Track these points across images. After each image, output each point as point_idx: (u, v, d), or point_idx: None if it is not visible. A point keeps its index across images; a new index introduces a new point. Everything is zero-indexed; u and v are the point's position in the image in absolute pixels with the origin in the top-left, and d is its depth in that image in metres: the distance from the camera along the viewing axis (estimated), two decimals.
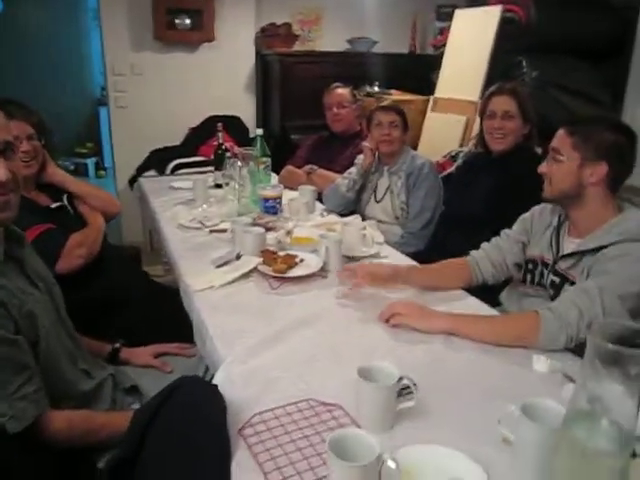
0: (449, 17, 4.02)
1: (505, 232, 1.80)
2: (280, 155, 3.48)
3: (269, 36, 4.45)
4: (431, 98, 3.88)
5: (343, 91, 3.15)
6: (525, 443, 1.01)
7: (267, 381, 1.26)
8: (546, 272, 1.64)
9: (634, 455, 0.84)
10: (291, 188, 2.80)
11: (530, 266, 1.72)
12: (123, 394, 1.49)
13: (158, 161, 4.16)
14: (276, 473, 0.97)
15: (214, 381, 1.26)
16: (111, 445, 1.20)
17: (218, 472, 0.97)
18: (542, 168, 1.60)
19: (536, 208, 1.75)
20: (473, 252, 1.81)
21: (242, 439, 1.05)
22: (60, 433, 1.18)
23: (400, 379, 1.10)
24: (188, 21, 4.19)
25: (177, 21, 4.16)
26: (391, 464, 0.92)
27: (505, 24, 3.39)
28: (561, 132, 1.57)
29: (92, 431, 1.24)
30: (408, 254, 2.17)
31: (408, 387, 1.14)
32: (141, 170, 4.18)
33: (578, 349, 1.36)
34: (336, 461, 0.86)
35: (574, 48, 3.28)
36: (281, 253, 1.91)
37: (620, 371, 0.80)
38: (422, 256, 2.15)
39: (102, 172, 6.87)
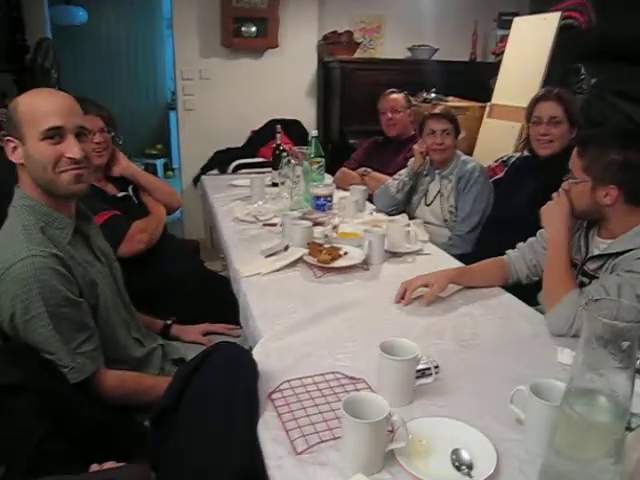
0: (510, 25, 4.02)
1: (540, 233, 1.83)
2: (338, 158, 3.60)
3: (331, 43, 4.58)
4: (488, 105, 3.90)
5: (397, 96, 3.24)
6: (533, 420, 1.07)
7: (300, 355, 1.36)
8: (575, 273, 1.66)
9: (629, 429, 0.89)
10: (345, 189, 2.90)
11: None
12: (171, 364, 1.63)
13: (221, 161, 4.35)
14: (296, 431, 1.07)
15: (253, 354, 1.37)
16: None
17: (247, 425, 1.08)
18: (565, 185, 1.64)
19: None
20: (509, 251, 1.86)
21: (270, 402, 1.16)
22: (114, 390, 1.33)
23: (419, 356, 1.18)
24: (254, 29, 4.38)
25: (243, 29, 4.36)
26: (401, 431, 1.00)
27: (565, 30, 3.38)
28: (574, 152, 1.60)
29: (141, 391, 1.38)
30: (454, 256, 2.22)
31: (429, 368, 1.22)
32: (205, 170, 4.39)
33: None
34: (348, 418, 0.95)
35: (635, 54, 3.23)
36: (327, 246, 2.01)
37: (613, 346, 0.85)
38: (468, 258, 2.19)
39: (170, 173, 7.18)
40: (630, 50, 3.22)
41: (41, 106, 1.32)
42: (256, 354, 1.36)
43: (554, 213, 1.64)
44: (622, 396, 0.87)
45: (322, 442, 1.05)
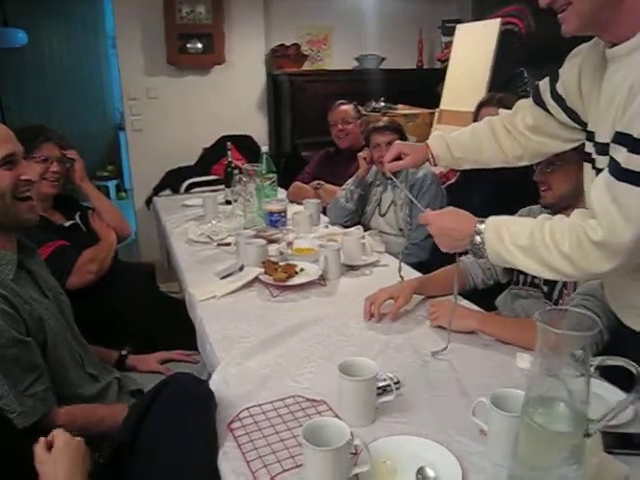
0: (454, 31, 4.09)
1: None
2: (292, 172, 3.58)
3: (279, 57, 4.57)
4: (437, 111, 3.95)
5: (346, 107, 3.24)
6: (496, 431, 1.07)
7: (259, 380, 1.33)
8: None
9: (588, 435, 0.89)
10: (299, 203, 2.89)
11: None
12: (128, 397, 1.57)
13: (173, 181, 4.28)
14: (258, 461, 1.04)
15: (210, 382, 1.33)
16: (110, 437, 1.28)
17: (205, 459, 1.05)
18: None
19: (523, 210, 1.80)
20: (463, 258, 1.85)
21: (230, 432, 1.13)
22: (65, 427, 1.27)
23: (379, 375, 1.17)
24: (199, 45, 4.33)
25: (189, 45, 4.30)
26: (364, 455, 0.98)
27: (506, 36, 3.45)
28: None
29: (95, 423, 1.32)
30: (412, 264, 2.22)
31: (390, 385, 1.21)
32: (157, 190, 4.31)
33: None
34: (308, 446, 0.93)
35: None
36: (282, 263, 1.98)
37: (567, 355, 0.86)
38: (426, 266, 2.20)
39: (123, 194, 7.04)
40: (566, 51, 3.31)
41: None
42: (214, 382, 1.33)
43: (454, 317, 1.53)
44: (579, 403, 0.87)
45: (285, 471, 1.02)
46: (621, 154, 1.05)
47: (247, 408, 1.20)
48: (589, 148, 1.26)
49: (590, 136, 1.26)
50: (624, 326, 1.30)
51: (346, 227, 2.62)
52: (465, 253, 1.82)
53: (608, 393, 1.18)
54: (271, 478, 1.00)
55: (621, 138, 1.06)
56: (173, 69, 4.38)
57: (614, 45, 1.15)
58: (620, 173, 1.05)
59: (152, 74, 4.35)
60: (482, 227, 1.27)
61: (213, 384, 1.31)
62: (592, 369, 0.86)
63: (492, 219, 1.28)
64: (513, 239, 1.21)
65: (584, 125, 1.32)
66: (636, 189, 1.02)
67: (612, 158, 1.09)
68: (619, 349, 1.01)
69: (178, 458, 1.04)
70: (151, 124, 4.42)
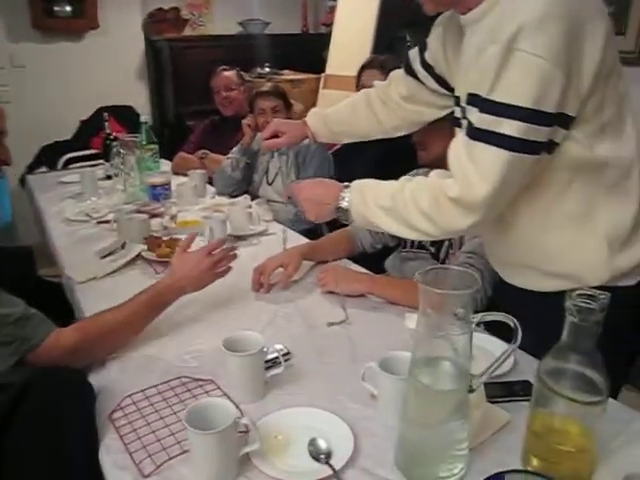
0: None
1: None
2: (177, 142, 3.43)
3: (157, 21, 4.34)
4: (323, 76, 3.92)
5: (229, 74, 3.14)
6: (385, 394, 1.07)
7: (143, 363, 1.26)
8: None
9: (471, 390, 0.90)
10: (184, 174, 2.77)
11: None
12: None
13: (49, 157, 4.00)
14: (142, 451, 0.97)
15: (90, 372, 1.24)
16: None
17: (85, 453, 0.97)
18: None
19: (410, 174, 1.81)
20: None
21: (111, 423, 1.05)
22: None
23: (265, 347, 1.13)
24: (68, 8, 4.01)
25: (56, 8, 3.97)
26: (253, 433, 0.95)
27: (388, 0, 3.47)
28: None
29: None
30: (301, 232, 2.19)
31: (278, 357, 1.18)
32: (32, 168, 4.01)
33: None
34: (192, 431, 0.88)
35: None
36: (166, 238, 1.89)
37: (450, 314, 0.85)
38: (314, 232, 2.18)
39: None
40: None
41: None
42: (93, 371, 1.24)
43: (343, 281, 1.54)
44: (463, 359, 0.88)
45: (171, 459, 0.96)
46: (473, 115, 1.08)
47: (129, 395, 1.12)
48: (457, 113, 1.29)
49: (457, 101, 1.28)
50: (504, 281, 1.34)
51: (233, 197, 2.55)
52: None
53: (494, 346, 1.21)
54: (157, 467, 0.94)
55: (472, 99, 1.10)
56: (40, 34, 4.03)
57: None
58: (473, 133, 1.07)
59: (15, 40, 3.98)
60: (347, 191, 1.28)
61: (93, 374, 1.22)
62: (473, 326, 0.86)
63: (357, 182, 1.29)
64: (377, 201, 1.22)
65: (452, 91, 1.34)
66: (489, 147, 1.04)
67: (468, 119, 1.12)
68: (502, 303, 1.04)
69: (52, 459, 0.96)
70: (19, 96, 4.04)
